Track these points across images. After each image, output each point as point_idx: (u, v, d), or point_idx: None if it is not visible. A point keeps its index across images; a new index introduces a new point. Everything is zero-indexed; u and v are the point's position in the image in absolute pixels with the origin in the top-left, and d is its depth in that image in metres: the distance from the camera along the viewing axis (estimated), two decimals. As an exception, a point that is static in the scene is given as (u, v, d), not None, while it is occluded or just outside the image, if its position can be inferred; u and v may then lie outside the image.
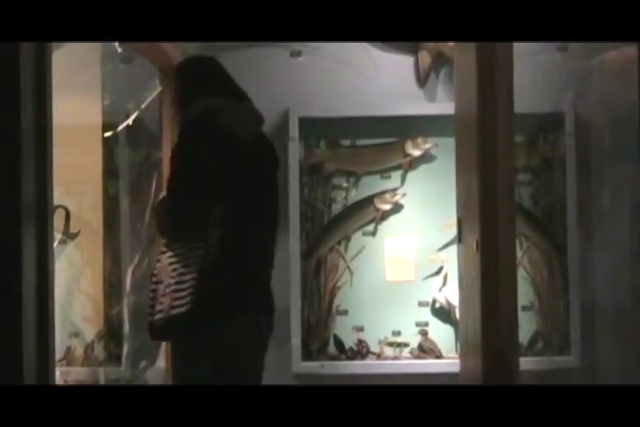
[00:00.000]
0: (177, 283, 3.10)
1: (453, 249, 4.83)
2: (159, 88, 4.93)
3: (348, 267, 5.50)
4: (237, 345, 3.20)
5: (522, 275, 5.20)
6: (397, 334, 5.48)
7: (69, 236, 4.90)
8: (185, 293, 3.08)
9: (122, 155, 5.17)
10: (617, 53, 5.20)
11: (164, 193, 3.26)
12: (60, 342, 4.77)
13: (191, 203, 3.15)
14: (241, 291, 3.19)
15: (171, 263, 3.15)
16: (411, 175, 5.55)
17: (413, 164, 5.54)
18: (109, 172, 5.13)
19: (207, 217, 3.14)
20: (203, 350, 3.15)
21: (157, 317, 3.12)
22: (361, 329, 5.48)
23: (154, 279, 3.19)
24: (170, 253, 3.17)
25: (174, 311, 3.08)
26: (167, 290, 3.11)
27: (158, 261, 3.21)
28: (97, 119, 5.05)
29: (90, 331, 5.10)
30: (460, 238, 4.33)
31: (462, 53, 4.19)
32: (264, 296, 3.35)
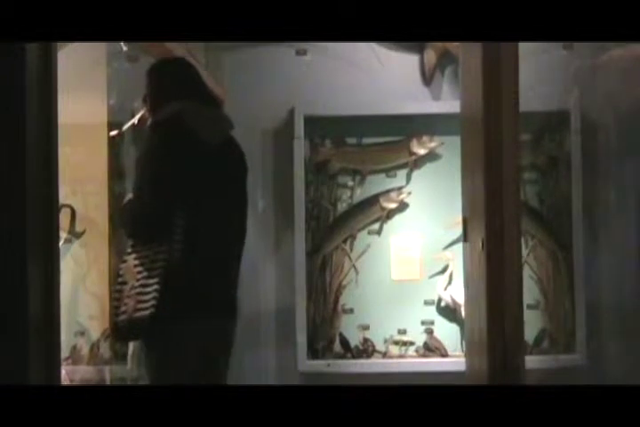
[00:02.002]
0: (141, 286, 3.09)
1: (459, 248, 4.83)
2: (164, 87, 4.91)
3: (354, 266, 5.50)
4: (199, 348, 3.17)
5: (527, 273, 5.20)
6: (403, 332, 5.48)
7: (75, 235, 4.90)
8: (149, 296, 3.07)
9: (127, 154, 5.17)
10: (623, 51, 5.19)
11: (129, 195, 3.24)
12: (66, 340, 4.77)
13: (156, 206, 3.13)
14: (203, 295, 3.16)
15: (135, 265, 3.13)
16: (416, 174, 5.55)
17: (419, 162, 5.54)
18: (115, 171, 5.13)
19: (171, 221, 3.12)
20: (164, 352, 3.13)
21: (121, 318, 3.11)
22: (366, 328, 5.48)
23: (119, 280, 3.17)
24: (135, 255, 3.15)
25: (137, 314, 3.06)
26: (132, 292, 3.10)
27: (124, 261, 3.19)
28: (102, 118, 5.04)
29: (96, 330, 5.10)
30: (465, 237, 4.32)
31: (468, 52, 4.18)
32: (227, 300, 3.32)
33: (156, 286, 3.07)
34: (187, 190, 3.15)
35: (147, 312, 3.05)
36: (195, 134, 3.18)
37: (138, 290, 3.09)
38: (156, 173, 3.14)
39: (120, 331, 3.15)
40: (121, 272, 3.19)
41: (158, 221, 3.14)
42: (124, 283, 3.15)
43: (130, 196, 3.25)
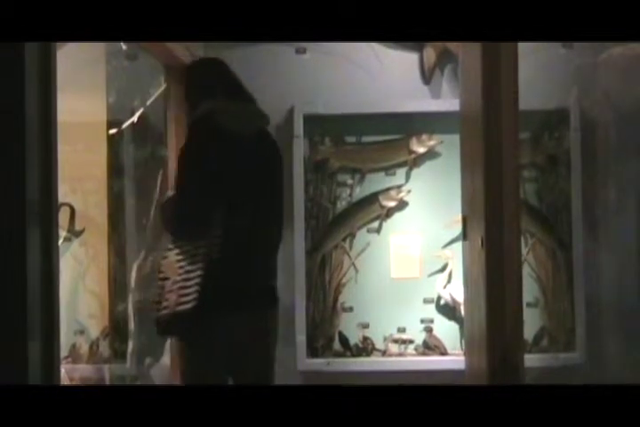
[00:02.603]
0: (183, 280, 3.15)
1: (458, 246, 4.83)
2: (164, 85, 4.92)
3: (353, 264, 5.50)
4: (242, 341, 3.22)
5: (527, 272, 5.20)
6: (402, 330, 5.48)
7: (74, 233, 4.90)
8: (191, 289, 3.13)
9: (127, 152, 5.17)
10: (622, 49, 5.19)
11: (170, 192, 3.29)
12: (66, 339, 4.77)
13: (196, 201, 3.19)
14: (244, 287, 3.21)
15: (177, 260, 3.19)
16: (416, 172, 5.55)
17: (418, 161, 5.54)
18: (114, 169, 5.13)
19: (211, 215, 3.18)
20: (208, 345, 3.17)
21: (164, 312, 3.16)
22: (366, 326, 5.48)
23: (160, 276, 3.23)
24: (176, 251, 3.21)
25: (180, 308, 3.11)
26: (174, 287, 3.15)
27: (165, 257, 3.25)
28: (102, 116, 5.04)
29: (95, 328, 5.11)
30: (465, 235, 4.32)
31: (467, 50, 4.18)
32: (268, 292, 3.37)
33: (197, 280, 3.13)
34: (225, 185, 3.21)
35: (189, 306, 3.09)
36: (231, 130, 3.25)
37: (180, 284, 3.15)
38: (196, 169, 3.21)
39: (164, 325, 3.21)
40: (162, 268, 3.25)
41: (199, 216, 3.20)
42: (166, 278, 3.21)
43: (170, 192, 3.30)
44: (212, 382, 3.19)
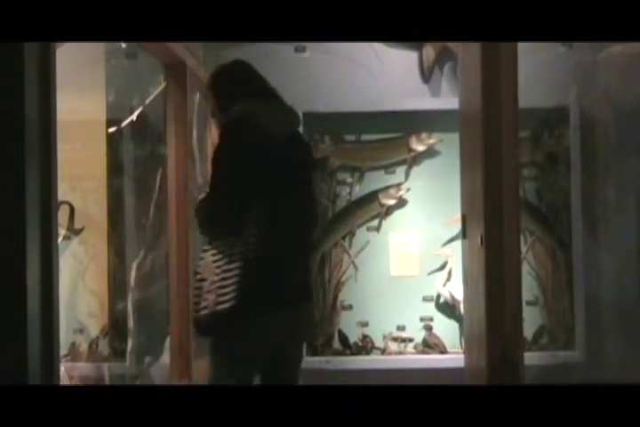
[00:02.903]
0: (221, 280, 3.18)
1: (458, 244, 4.83)
2: (163, 84, 4.92)
3: (353, 262, 5.50)
4: (278, 340, 3.26)
5: (526, 270, 5.20)
6: (402, 329, 5.49)
7: (74, 232, 4.91)
8: (229, 289, 3.16)
9: (126, 150, 5.17)
10: (622, 48, 5.19)
11: (204, 193, 3.34)
12: (65, 337, 4.78)
13: (230, 202, 3.23)
14: (280, 284, 3.24)
15: (214, 261, 3.23)
16: (415, 170, 5.55)
17: (418, 159, 5.54)
18: (114, 167, 5.13)
19: (246, 215, 3.22)
20: (246, 344, 3.21)
21: (203, 313, 3.20)
22: (365, 324, 5.49)
23: (198, 277, 3.28)
24: (213, 251, 3.25)
25: (219, 307, 3.14)
26: (212, 287, 3.19)
27: (201, 258, 3.29)
28: (101, 115, 5.04)
29: (94, 327, 5.11)
30: (464, 234, 4.33)
31: (467, 49, 4.18)
32: (304, 290, 3.41)
33: (235, 279, 3.16)
34: (258, 185, 3.25)
35: (228, 305, 3.13)
36: (262, 131, 3.28)
37: (218, 284, 3.18)
38: (229, 170, 3.25)
39: (203, 325, 3.24)
40: (199, 270, 3.28)
41: (233, 216, 3.24)
42: (204, 280, 3.24)
43: (204, 194, 3.35)
44: (244, 381, 3.23)
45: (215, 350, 3.27)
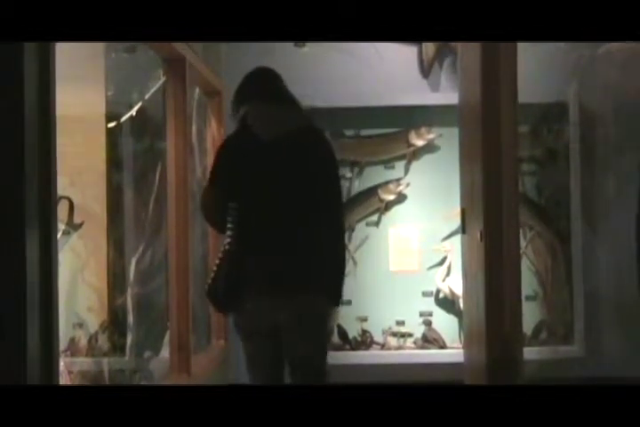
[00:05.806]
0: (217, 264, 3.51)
1: (457, 239, 4.83)
2: (163, 78, 4.91)
3: (352, 257, 5.50)
4: (293, 327, 3.45)
5: (526, 265, 5.21)
6: (401, 324, 5.49)
7: (73, 226, 4.89)
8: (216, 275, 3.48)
9: (126, 145, 5.17)
10: (621, 44, 5.18)
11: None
12: (64, 332, 4.77)
13: (215, 196, 3.49)
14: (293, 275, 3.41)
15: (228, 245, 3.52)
16: (414, 165, 5.55)
17: (417, 154, 5.54)
18: (113, 162, 5.12)
19: (227, 210, 3.46)
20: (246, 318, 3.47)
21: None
22: (365, 319, 5.49)
23: (217, 262, 3.53)
24: (228, 240, 3.51)
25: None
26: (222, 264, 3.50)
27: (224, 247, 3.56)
28: (100, 109, 5.03)
29: (94, 321, 5.11)
30: (463, 228, 4.33)
31: (466, 44, 4.18)
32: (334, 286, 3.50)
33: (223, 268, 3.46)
34: (241, 182, 3.45)
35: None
36: (251, 132, 3.45)
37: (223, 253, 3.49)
38: (220, 166, 3.52)
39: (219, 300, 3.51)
40: (220, 255, 3.52)
41: (218, 209, 3.49)
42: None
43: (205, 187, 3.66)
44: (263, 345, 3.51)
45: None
